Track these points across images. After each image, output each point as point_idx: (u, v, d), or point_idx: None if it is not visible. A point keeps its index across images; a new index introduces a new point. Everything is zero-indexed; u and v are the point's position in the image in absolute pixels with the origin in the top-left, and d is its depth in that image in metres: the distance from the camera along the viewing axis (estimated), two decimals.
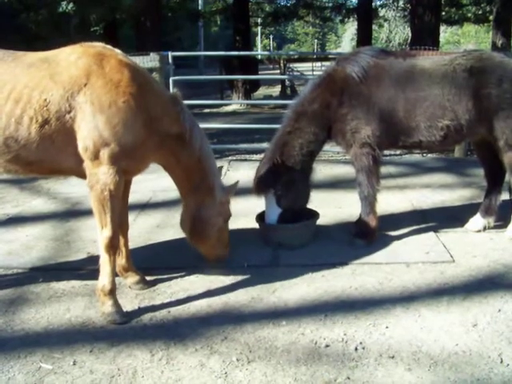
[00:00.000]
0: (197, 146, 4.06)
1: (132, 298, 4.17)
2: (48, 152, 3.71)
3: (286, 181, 5.03)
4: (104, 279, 3.81)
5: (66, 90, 3.61)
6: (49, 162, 3.80)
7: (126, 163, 3.74)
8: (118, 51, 3.91)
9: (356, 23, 22.85)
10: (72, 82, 3.63)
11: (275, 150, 5.11)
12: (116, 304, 3.84)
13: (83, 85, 3.63)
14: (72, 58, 3.74)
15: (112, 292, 3.83)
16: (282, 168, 5.00)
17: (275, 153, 5.07)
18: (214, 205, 4.26)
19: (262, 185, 5.08)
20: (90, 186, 3.71)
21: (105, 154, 3.62)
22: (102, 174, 3.65)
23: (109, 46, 3.94)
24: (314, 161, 5.38)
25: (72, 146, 3.68)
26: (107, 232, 3.74)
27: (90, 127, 3.60)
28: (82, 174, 3.80)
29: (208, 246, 4.43)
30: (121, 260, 4.28)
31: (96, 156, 3.63)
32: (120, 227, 4.21)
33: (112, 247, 3.79)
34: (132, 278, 4.31)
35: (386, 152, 8.28)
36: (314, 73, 24.90)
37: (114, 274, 3.88)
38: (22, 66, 3.72)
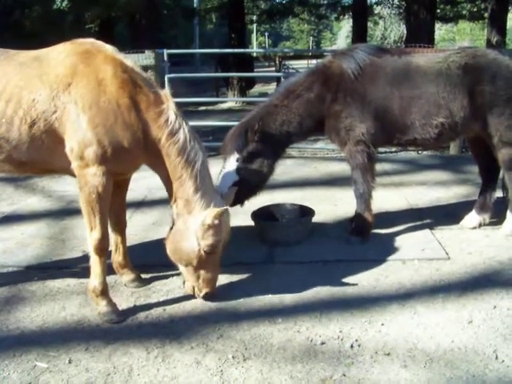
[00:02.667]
0: (174, 153, 3.70)
1: (128, 295, 4.16)
2: (39, 152, 3.68)
3: (254, 151, 4.90)
4: (94, 281, 3.80)
5: (52, 90, 3.57)
6: (41, 162, 3.78)
7: (113, 165, 3.65)
8: (107, 47, 3.81)
9: (351, 20, 22.85)
10: (58, 81, 3.59)
11: (256, 117, 4.99)
12: (110, 303, 3.84)
13: (68, 84, 3.58)
14: (61, 57, 3.70)
15: (104, 292, 3.82)
16: (256, 137, 4.87)
17: (254, 119, 4.95)
18: (191, 223, 3.74)
19: (229, 146, 4.92)
20: (79, 187, 3.68)
21: (89, 155, 3.56)
22: (89, 176, 3.60)
23: (99, 43, 3.86)
24: (287, 148, 5.31)
25: (62, 146, 3.64)
26: (96, 234, 3.70)
27: (75, 128, 3.55)
28: (75, 174, 3.77)
29: (181, 266, 3.94)
30: (118, 257, 4.28)
31: (82, 157, 3.58)
32: (118, 224, 4.21)
33: (101, 249, 3.75)
34: (127, 276, 4.30)
35: (381, 149, 8.28)
36: None
37: (105, 275, 3.85)
38: (14, 65, 3.69)
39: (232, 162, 4.86)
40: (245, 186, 4.80)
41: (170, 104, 3.73)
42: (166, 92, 3.82)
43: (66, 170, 3.78)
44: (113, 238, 4.19)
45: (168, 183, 3.88)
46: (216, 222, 3.68)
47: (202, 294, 3.92)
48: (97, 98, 3.56)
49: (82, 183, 3.65)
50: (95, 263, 3.79)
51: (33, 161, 3.75)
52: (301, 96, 4.98)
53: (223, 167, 4.88)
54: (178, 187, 3.77)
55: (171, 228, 3.90)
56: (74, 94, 3.56)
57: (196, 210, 3.74)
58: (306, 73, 5.23)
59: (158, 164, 3.83)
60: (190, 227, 3.75)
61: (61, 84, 3.59)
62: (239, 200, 4.83)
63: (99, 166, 3.59)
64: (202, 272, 3.86)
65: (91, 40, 3.91)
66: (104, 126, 3.55)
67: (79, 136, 3.55)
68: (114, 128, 3.58)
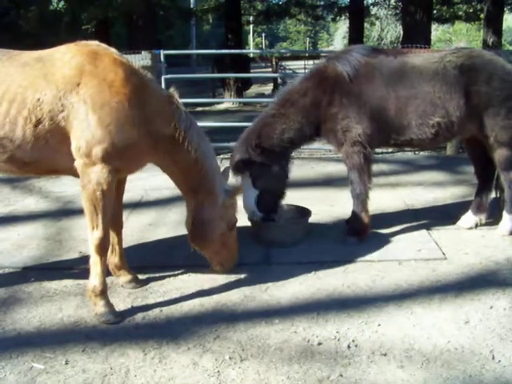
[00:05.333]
0: (192, 148, 3.92)
1: (125, 296, 4.15)
2: (43, 152, 3.69)
3: (262, 163, 4.95)
4: (94, 280, 3.78)
5: (58, 90, 3.58)
6: (44, 162, 3.78)
7: (119, 163, 3.69)
8: (112, 50, 3.86)
9: (348, 21, 22.89)
10: (65, 81, 3.60)
11: (254, 129, 5.05)
12: (108, 304, 3.82)
13: (76, 84, 3.59)
14: (66, 58, 3.71)
15: (103, 292, 3.81)
16: (258, 151, 4.91)
17: (254, 132, 5.00)
18: (214, 208, 4.13)
19: (238, 165, 4.98)
20: (82, 185, 3.68)
21: (97, 153, 3.58)
22: (94, 173, 3.61)
23: (103, 45, 3.90)
24: (292, 152, 5.32)
25: (67, 145, 3.65)
26: (98, 233, 3.70)
27: (83, 127, 3.56)
28: (78, 174, 3.76)
29: (210, 251, 4.30)
30: (114, 258, 4.27)
31: (88, 156, 3.60)
32: (114, 225, 4.20)
33: (102, 248, 3.75)
34: (124, 277, 4.29)
35: (378, 150, 8.31)
36: (306, 71, 24.87)
37: (105, 275, 3.84)
38: (17, 65, 3.69)
39: (247, 179, 4.98)
40: (267, 196, 4.99)
41: (179, 104, 3.91)
42: (173, 92, 3.98)
43: (68, 169, 3.78)
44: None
45: (180, 180, 4.14)
46: (235, 199, 4.27)
47: (229, 267, 4.42)
48: (108, 99, 3.58)
49: (85, 181, 3.65)
50: (96, 263, 3.77)
51: (36, 161, 3.75)
52: (297, 102, 4.99)
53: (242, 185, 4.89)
54: (201, 179, 4.06)
55: (192, 224, 4.19)
56: (82, 93, 3.58)
57: (217, 195, 4.13)
58: (301, 78, 5.22)
59: (168, 162, 4.01)
60: (216, 216, 4.15)
61: (68, 84, 3.60)
62: (269, 210, 5.07)
63: (105, 164, 3.62)
64: (228, 247, 4.33)
65: (96, 42, 3.94)
66: (115, 126, 3.59)
67: (87, 135, 3.56)
68: (125, 128, 3.63)
